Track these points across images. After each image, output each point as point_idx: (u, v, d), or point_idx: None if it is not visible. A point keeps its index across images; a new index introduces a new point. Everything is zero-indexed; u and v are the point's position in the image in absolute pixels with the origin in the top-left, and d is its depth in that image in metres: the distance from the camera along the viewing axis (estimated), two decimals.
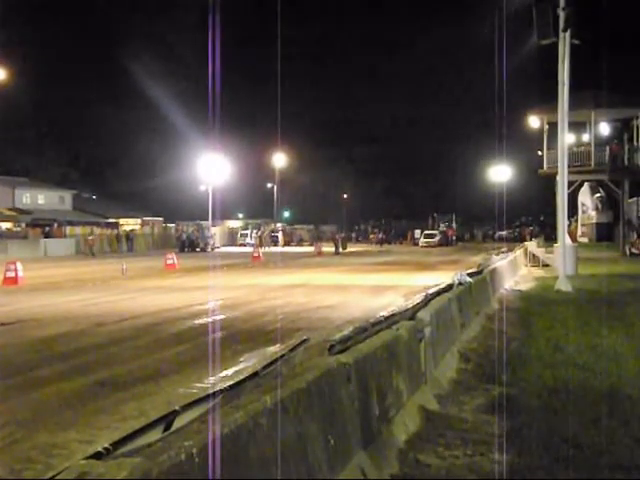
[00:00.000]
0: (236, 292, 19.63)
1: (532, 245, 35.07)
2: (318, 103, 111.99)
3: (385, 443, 5.49)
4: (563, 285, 19.22)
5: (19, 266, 23.55)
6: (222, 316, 14.63)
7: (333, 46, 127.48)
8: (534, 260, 30.77)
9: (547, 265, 28.00)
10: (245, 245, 63.35)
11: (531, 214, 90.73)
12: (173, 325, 13.67)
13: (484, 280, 14.79)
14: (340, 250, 51.17)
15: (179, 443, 3.07)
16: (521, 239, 59.66)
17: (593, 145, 38.05)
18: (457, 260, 37.10)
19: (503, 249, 30.27)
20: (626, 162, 37.60)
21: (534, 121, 39.51)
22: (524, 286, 20.78)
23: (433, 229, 72.28)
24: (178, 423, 3.70)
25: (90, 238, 51.08)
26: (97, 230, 58.52)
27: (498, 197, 42.44)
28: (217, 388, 4.43)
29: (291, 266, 33.81)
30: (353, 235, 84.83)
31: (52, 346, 11.31)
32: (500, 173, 57.40)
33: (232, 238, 71.06)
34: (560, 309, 14.57)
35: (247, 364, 9.40)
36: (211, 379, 8.44)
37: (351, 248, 57.56)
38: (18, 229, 58.07)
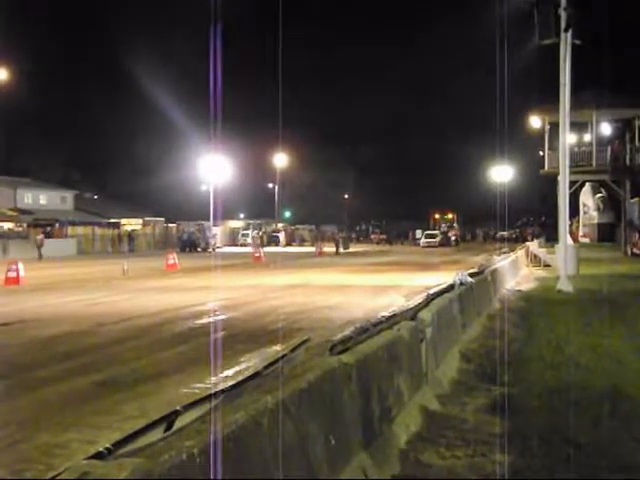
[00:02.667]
0: (237, 292, 19.62)
1: (533, 245, 35.07)
2: (320, 103, 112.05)
3: (386, 443, 5.48)
4: (564, 285, 19.19)
5: (21, 266, 23.58)
6: (223, 316, 14.64)
7: (335, 47, 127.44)
8: (535, 260, 30.76)
9: (548, 265, 27.97)
10: (246, 245, 63.35)
11: (532, 214, 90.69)
12: (174, 325, 13.68)
13: (485, 280, 14.78)
14: (341, 250, 51.18)
15: (180, 443, 3.07)
16: (522, 239, 59.65)
17: (595, 145, 38.05)
18: (458, 260, 37.07)
19: (504, 249, 30.26)
20: (628, 162, 37.60)
21: (535, 121, 39.52)
22: (525, 286, 20.76)
23: (434, 229, 72.30)
24: (179, 423, 3.70)
25: (39, 237, 45.42)
26: (98, 230, 58.47)
27: (499, 197, 42.45)
28: (218, 388, 4.43)
29: (292, 266, 33.80)
30: (354, 235, 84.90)
31: (53, 346, 11.32)
32: (501, 173, 57.41)
33: (233, 238, 71.06)
34: (561, 309, 14.55)
35: (248, 364, 9.40)
36: (212, 379, 8.43)
37: (352, 248, 57.56)
38: (20, 229, 58.07)
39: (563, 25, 19.46)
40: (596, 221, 56.38)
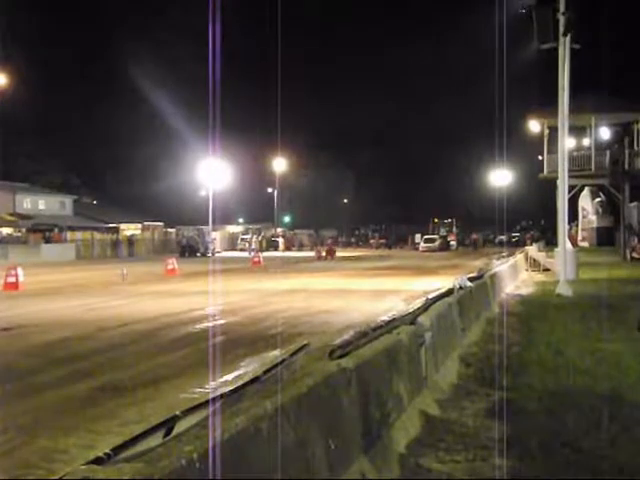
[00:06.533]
0: (236, 297, 19.61)
1: (533, 249, 35.04)
2: (319, 108, 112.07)
3: (386, 447, 5.48)
4: (564, 289, 19.19)
5: (20, 271, 23.56)
6: (223, 321, 14.63)
7: (333, 51, 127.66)
8: (535, 265, 30.75)
9: (548, 269, 27.96)
10: (245, 250, 63.34)
11: (531, 218, 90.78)
12: (174, 330, 13.67)
13: (485, 284, 14.78)
14: (325, 256, 49.38)
15: (180, 448, 3.07)
16: (522, 243, 59.64)
17: (593, 149, 38.10)
18: (457, 265, 37.07)
19: (504, 253, 30.27)
20: (626, 166, 37.61)
21: (534, 125, 39.58)
22: (525, 290, 20.77)
23: (433, 234, 72.26)
24: (179, 428, 3.69)
25: None
26: (97, 235, 58.47)
27: (498, 201, 42.51)
28: (218, 393, 4.42)
29: (291, 271, 33.79)
30: (353, 240, 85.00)
31: (53, 351, 11.31)
32: (500, 178, 57.49)
33: (232, 243, 71.05)
34: (561, 313, 14.55)
35: (248, 369, 9.39)
36: (212, 384, 8.43)
37: (352, 253, 57.47)
38: (19, 234, 58.08)
39: (562, 29, 19.51)
40: (595, 225, 56.35)
